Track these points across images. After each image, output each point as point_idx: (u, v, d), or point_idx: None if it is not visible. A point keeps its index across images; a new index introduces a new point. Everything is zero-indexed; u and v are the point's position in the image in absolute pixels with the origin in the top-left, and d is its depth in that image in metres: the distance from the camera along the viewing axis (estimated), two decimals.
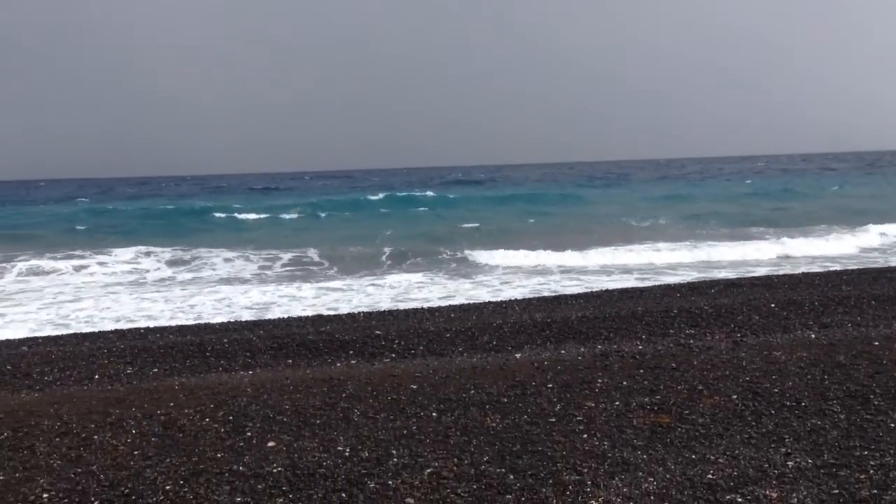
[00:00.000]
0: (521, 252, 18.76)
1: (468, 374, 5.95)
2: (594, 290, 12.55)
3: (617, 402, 5.01)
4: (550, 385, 5.48)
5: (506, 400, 5.18)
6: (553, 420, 4.72)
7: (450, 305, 11.01)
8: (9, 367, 7.05)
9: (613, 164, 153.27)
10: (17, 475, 4.12)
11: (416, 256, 19.63)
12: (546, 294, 12.69)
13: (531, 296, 12.44)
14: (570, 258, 17.99)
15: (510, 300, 11.39)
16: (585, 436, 4.42)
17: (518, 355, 6.79)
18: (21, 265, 19.18)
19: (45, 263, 19.42)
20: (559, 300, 10.88)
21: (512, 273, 16.45)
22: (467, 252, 19.54)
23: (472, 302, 11.64)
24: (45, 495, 3.84)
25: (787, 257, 17.92)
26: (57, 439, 4.69)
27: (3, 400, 5.78)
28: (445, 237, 24.40)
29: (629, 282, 14.40)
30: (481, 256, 18.74)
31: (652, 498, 3.59)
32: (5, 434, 4.81)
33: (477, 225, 28.14)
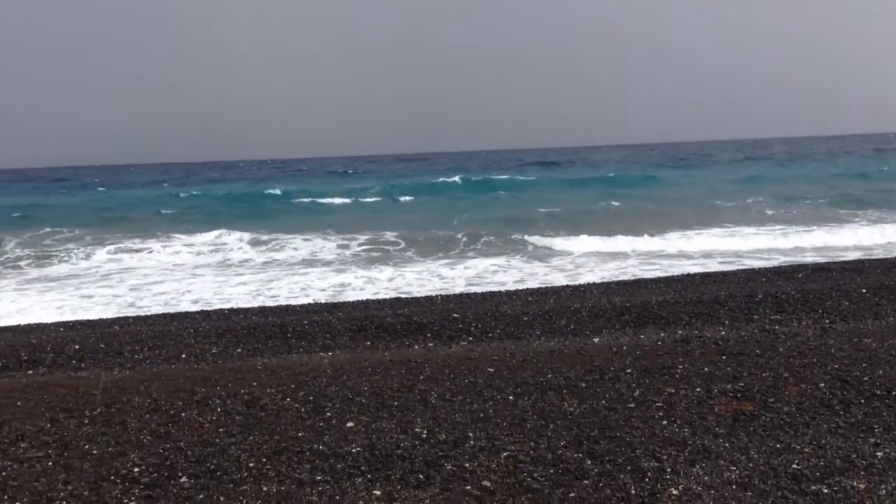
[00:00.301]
0: (597, 237, 18.53)
1: (545, 357, 5.93)
2: (674, 274, 12.33)
3: (698, 389, 4.92)
4: (629, 370, 5.42)
5: (584, 384, 5.14)
6: (632, 406, 4.66)
7: (527, 289, 10.98)
8: (102, 346, 7.34)
9: (696, 144, 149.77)
10: (110, 449, 4.30)
11: (491, 239, 19.61)
12: (624, 278, 12.52)
13: (609, 279, 12.30)
14: (650, 242, 17.68)
15: (588, 284, 11.28)
16: (665, 422, 4.36)
17: (596, 339, 6.73)
18: (110, 247, 19.94)
19: (132, 245, 20.14)
20: (638, 284, 10.72)
21: (589, 257, 16.30)
22: (543, 236, 19.41)
23: (548, 285, 11.58)
24: (136, 469, 3.99)
25: (889, 244, 17.09)
26: (147, 416, 4.86)
27: (98, 377, 6.02)
28: (521, 220, 24.23)
29: (711, 266, 14.10)
30: (557, 241, 18.57)
31: (734, 487, 3.52)
32: (99, 410, 5.01)
33: (555, 209, 27.70)
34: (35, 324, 9.59)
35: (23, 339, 7.86)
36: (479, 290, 11.57)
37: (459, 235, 20.43)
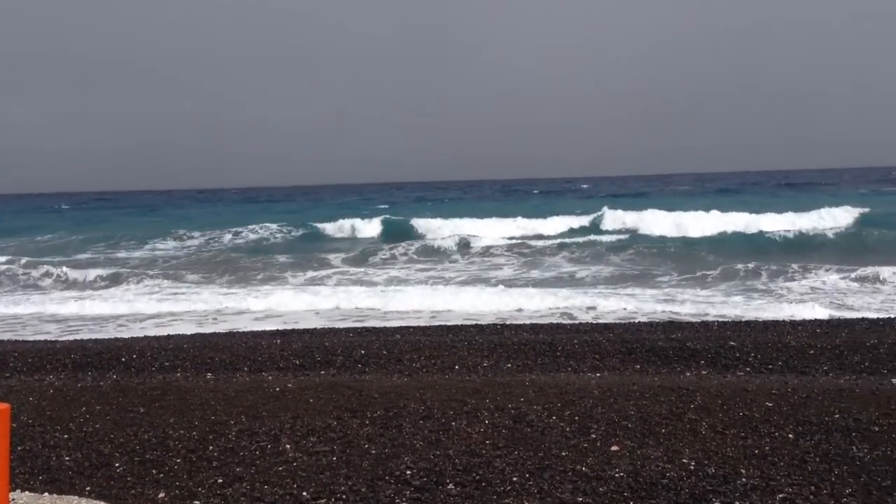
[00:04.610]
0: None
1: (833, 395, 5.44)
2: None
3: None
4: None
5: (877, 428, 4.65)
6: None
7: (815, 319, 10.15)
8: (384, 352, 7.86)
9: None
10: (387, 451, 4.59)
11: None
12: None
13: None
14: None
15: (889, 318, 10.18)
16: None
17: (894, 380, 6.06)
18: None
19: None
20: None
21: None
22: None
23: (841, 317, 10.62)
24: (409, 472, 4.23)
25: None
26: (420, 422, 5.13)
27: (379, 381, 6.46)
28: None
29: None
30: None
31: None
32: (378, 412, 5.37)
33: None
34: (328, 328, 10.51)
35: (317, 342, 8.63)
36: (762, 316, 10.86)
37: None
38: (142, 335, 10.34)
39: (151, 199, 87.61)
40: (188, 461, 4.54)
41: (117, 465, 4.53)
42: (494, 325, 10.32)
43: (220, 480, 4.22)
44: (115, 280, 18.75)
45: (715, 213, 26.71)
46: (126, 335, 10.58)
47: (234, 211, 52.44)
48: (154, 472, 4.40)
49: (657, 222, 26.40)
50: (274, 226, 31.04)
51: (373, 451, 4.58)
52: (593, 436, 4.71)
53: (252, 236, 29.16)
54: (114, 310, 13.65)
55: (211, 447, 4.77)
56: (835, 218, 26.29)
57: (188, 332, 10.62)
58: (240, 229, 30.26)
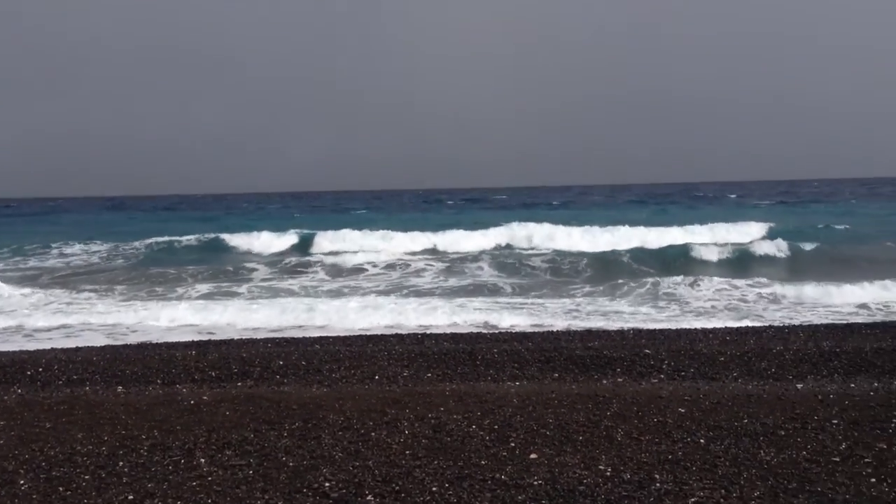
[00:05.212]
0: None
1: (742, 401, 5.63)
2: (894, 319, 11.33)
3: None
4: (836, 421, 5.03)
5: (783, 433, 4.82)
6: (836, 459, 4.32)
7: (726, 327, 10.47)
8: (303, 363, 7.76)
9: None
10: (305, 462, 4.53)
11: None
12: (835, 321, 11.65)
13: (818, 322, 11.48)
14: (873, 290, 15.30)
15: (794, 325, 10.60)
16: (874, 480, 4.00)
17: (799, 385, 6.31)
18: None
19: None
20: (851, 329, 9.93)
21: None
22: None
23: (750, 325, 10.99)
24: (327, 484, 4.18)
25: None
26: (340, 433, 5.09)
27: (298, 393, 6.38)
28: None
29: None
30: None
31: None
32: (297, 424, 5.30)
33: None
34: (247, 339, 10.31)
35: (235, 353, 8.47)
36: (675, 326, 11.16)
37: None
38: (48, 347, 9.95)
39: (43, 207, 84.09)
40: (97, 478, 4.39)
41: (22, 482, 4.34)
42: (415, 334, 10.31)
43: (131, 497, 4.08)
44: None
45: (623, 228, 27.08)
46: (32, 347, 10.16)
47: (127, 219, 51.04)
48: (61, 489, 4.23)
49: (567, 234, 26.59)
50: (189, 237, 29.93)
51: (290, 464, 4.51)
52: (512, 444, 4.75)
53: (156, 247, 27.99)
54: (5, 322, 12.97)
55: (121, 463, 4.62)
56: (747, 232, 27.09)
57: (98, 345, 10.27)
58: (147, 240, 29.05)
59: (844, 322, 11.19)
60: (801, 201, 56.34)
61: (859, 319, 11.74)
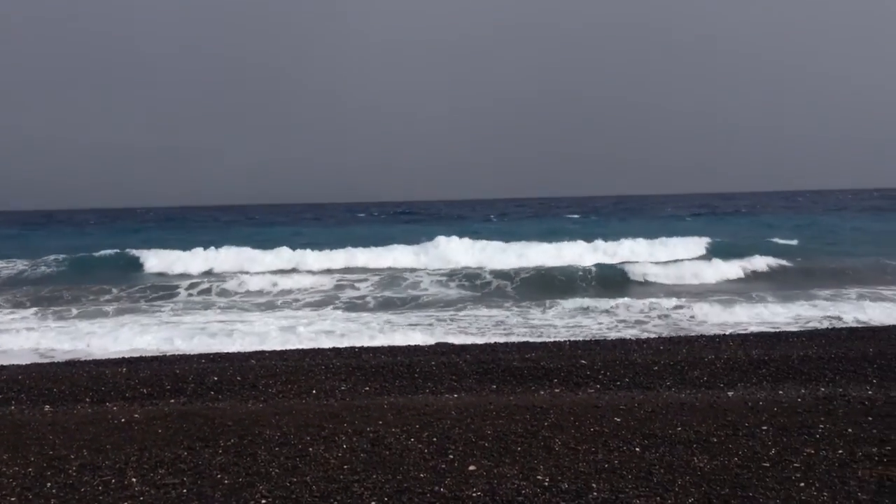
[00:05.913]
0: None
1: (675, 409, 5.73)
2: (819, 328, 11.69)
3: (840, 451, 4.62)
4: (765, 427, 5.16)
5: (715, 440, 4.93)
6: (767, 465, 4.42)
7: (659, 337, 10.67)
8: (238, 378, 7.64)
9: None
10: (241, 480, 4.44)
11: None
12: (765, 330, 11.97)
13: (748, 331, 11.78)
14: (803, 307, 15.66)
15: (724, 335, 10.85)
16: (803, 484, 4.11)
17: (730, 393, 6.46)
18: None
19: None
20: (779, 337, 10.21)
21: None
22: None
23: (683, 335, 11.22)
24: (264, 501, 4.11)
25: None
26: (277, 448, 5.01)
27: (233, 409, 6.27)
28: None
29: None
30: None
31: None
32: (232, 441, 5.20)
33: None
34: (179, 354, 10.10)
35: (167, 369, 8.28)
36: (612, 336, 11.32)
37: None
38: None
39: None
40: (23, 499, 4.24)
41: None
42: (352, 347, 10.24)
43: None
44: None
45: (545, 245, 26.72)
46: None
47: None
48: None
49: (496, 250, 26.28)
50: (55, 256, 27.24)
51: (226, 482, 4.42)
52: (451, 456, 4.75)
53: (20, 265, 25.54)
54: None
55: (49, 484, 4.47)
56: (683, 247, 26.88)
57: (23, 363, 9.94)
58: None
59: (774, 331, 11.49)
60: (728, 214, 57.63)
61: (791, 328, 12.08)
